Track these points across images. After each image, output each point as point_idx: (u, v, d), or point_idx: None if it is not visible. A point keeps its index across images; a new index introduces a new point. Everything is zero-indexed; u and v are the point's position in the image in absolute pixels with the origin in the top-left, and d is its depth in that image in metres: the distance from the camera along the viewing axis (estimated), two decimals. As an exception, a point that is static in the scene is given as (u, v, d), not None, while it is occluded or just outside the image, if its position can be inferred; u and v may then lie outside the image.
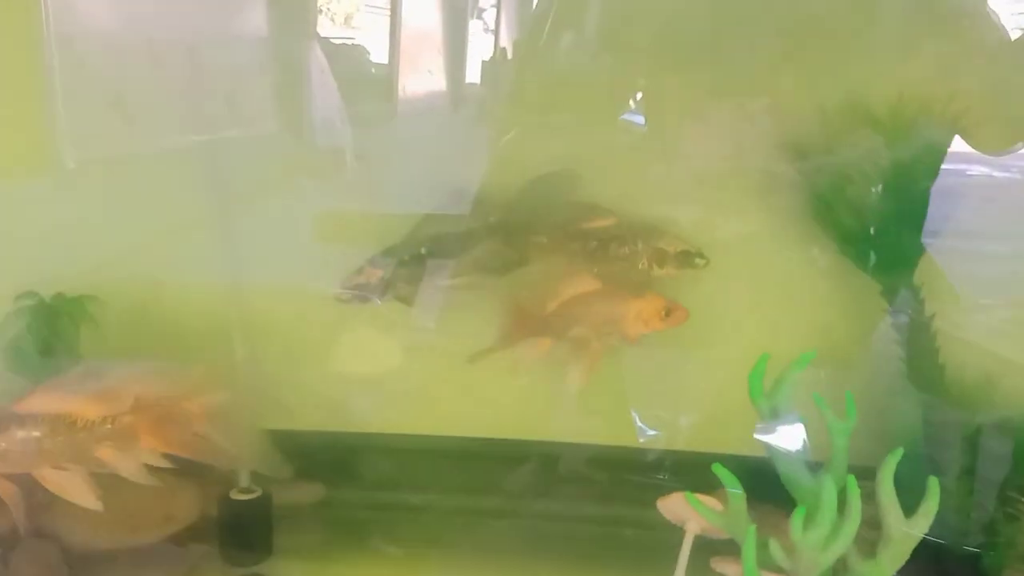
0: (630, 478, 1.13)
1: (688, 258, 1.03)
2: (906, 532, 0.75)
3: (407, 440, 1.17)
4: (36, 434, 0.88)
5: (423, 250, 1.04)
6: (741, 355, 0.99)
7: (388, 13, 1.19)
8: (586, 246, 1.03)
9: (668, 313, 0.99)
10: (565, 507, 1.13)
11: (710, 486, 0.80)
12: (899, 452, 0.75)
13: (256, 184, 1.15)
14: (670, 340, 1.07)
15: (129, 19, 1.12)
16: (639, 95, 1.13)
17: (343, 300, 1.02)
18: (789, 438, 0.80)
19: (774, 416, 0.78)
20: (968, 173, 1.08)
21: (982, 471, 1.02)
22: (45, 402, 0.88)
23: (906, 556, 0.76)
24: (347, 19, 1.19)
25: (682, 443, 1.11)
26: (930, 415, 1.02)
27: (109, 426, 0.91)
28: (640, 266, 1.03)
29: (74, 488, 0.91)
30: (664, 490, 0.85)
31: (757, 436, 0.78)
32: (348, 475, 1.17)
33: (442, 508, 1.15)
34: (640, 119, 1.13)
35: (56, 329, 1.03)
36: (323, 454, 1.15)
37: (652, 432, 1.13)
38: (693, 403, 1.12)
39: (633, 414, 1.14)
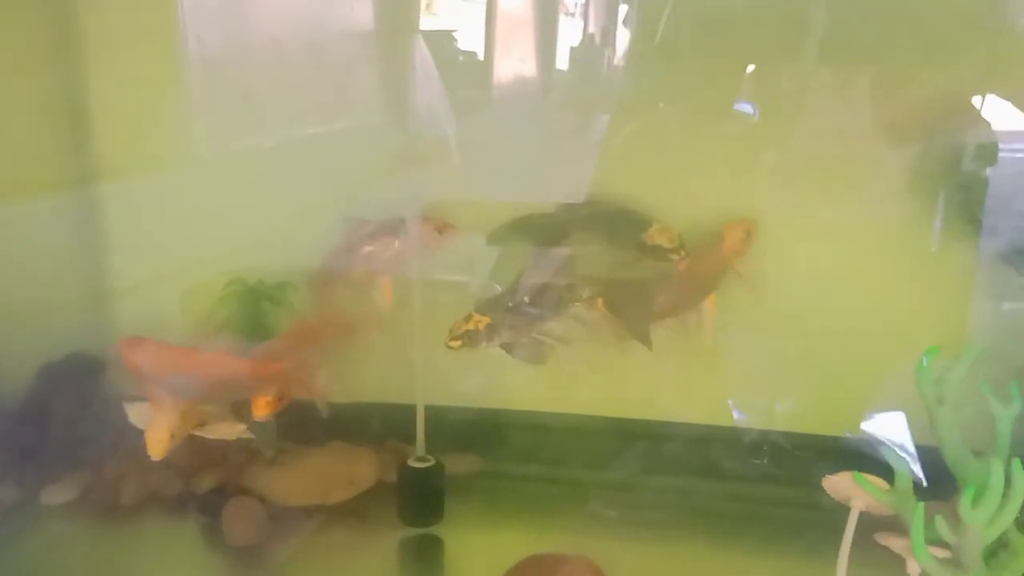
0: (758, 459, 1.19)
1: (660, 253, 1.10)
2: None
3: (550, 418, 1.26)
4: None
5: (526, 298, 1.11)
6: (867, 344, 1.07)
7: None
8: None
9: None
10: (714, 486, 1.20)
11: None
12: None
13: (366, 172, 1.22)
14: (794, 328, 1.15)
15: (255, 18, 1.20)
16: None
17: (452, 348, 1.07)
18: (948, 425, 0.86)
19: (940, 404, 0.84)
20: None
21: None
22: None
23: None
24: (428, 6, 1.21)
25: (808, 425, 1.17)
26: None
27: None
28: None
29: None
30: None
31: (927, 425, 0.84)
32: (501, 449, 1.26)
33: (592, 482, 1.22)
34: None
35: (260, 311, 1.15)
36: (476, 428, 1.25)
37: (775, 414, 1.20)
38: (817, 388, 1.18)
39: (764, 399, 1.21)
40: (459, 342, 1.07)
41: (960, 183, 1.07)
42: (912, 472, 0.83)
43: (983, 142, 1.05)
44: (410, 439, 1.15)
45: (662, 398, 1.25)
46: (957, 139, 1.06)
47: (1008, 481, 0.80)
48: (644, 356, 1.14)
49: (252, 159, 1.21)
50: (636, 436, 1.22)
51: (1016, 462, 0.80)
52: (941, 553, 0.82)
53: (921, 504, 0.82)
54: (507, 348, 1.12)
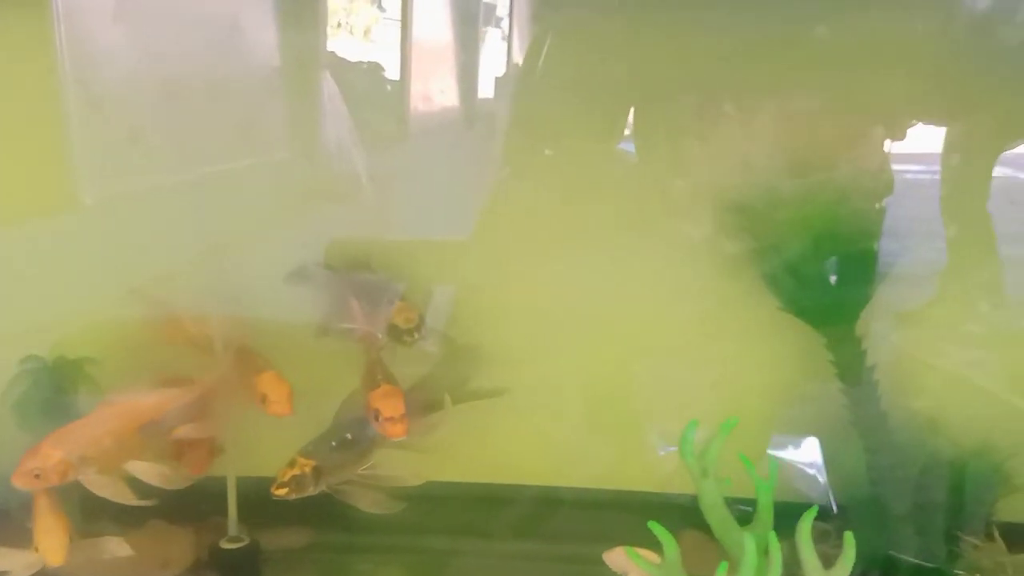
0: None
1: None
2: (826, 582, 0.81)
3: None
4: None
5: (348, 435, 1.06)
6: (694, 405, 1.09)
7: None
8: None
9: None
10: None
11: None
12: (814, 510, 0.81)
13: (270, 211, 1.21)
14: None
15: (144, 58, 1.17)
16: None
17: (279, 496, 1.01)
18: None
19: (704, 476, 0.85)
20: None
21: (926, 512, 1.08)
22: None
23: (826, 604, 0.82)
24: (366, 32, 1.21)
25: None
26: (873, 460, 1.08)
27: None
28: None
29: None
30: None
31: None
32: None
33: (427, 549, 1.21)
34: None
35: (59, 389, 1.11)
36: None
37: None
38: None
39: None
40: (285, 490, 1.01)
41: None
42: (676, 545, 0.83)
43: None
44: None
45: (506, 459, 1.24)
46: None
47: (765, 553, 0.80)
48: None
49: (138, 201, 1.19)
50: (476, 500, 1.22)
51: (772, 535, 0.81)
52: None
53: (683, 578, 0.82)
54: (342, 495, 1.07)
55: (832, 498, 1.15)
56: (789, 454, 1.18)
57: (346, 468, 1.07)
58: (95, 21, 1.19)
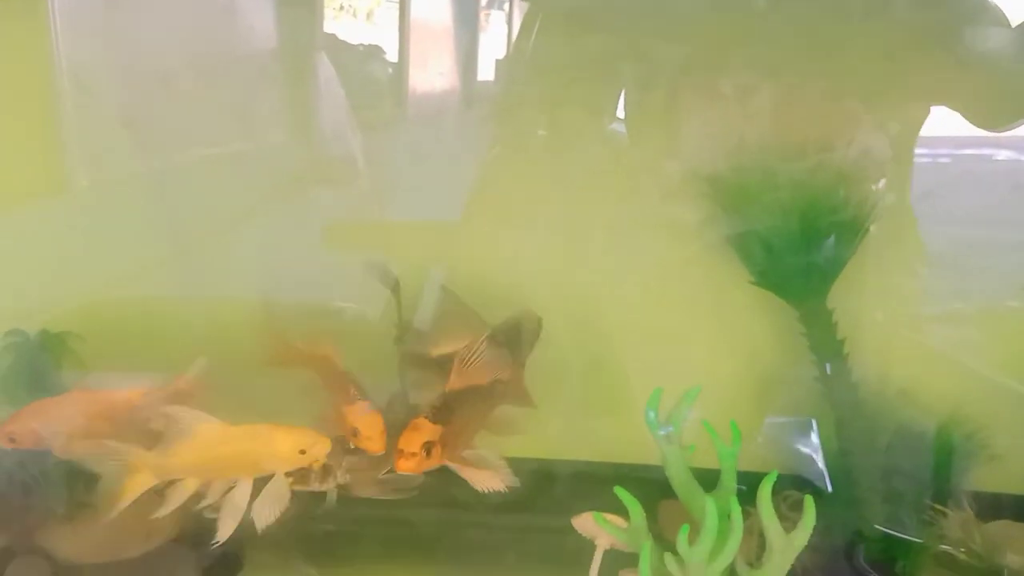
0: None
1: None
2: (786, 544, 0.83)
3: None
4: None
5: None
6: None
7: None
8: None
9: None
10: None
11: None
12: (774, 474, 0.83)
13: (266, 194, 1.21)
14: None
15: (138, 41, 1.19)
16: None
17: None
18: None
19: (669, 443, 0.86)
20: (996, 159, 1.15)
21: (896, 481, 1.10)
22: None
23: (788, 566, 0.84)
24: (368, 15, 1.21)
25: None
26: (845, 432, 1.10)
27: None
28: None
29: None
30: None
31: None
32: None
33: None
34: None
35: (42, 363, 1.13)
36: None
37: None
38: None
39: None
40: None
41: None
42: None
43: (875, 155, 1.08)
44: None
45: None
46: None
47: (727, 518, 0.82)
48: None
49: (134, 186, 1.21)
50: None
51: (734, 499, 0.82)
52: (674, 589, 0.84)
53: (648, 542, 0.83)
54: (346, 489, 1.06)
55: (826, 473, 1.16)
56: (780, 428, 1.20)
57: (361, 471, 1.06)
58: (88, 5, 1.21)
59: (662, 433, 0.86)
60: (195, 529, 1.13)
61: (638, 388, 1.23)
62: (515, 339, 1.07)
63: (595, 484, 1.17)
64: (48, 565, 1.11)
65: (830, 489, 1.14)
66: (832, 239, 1.07)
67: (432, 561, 1.15)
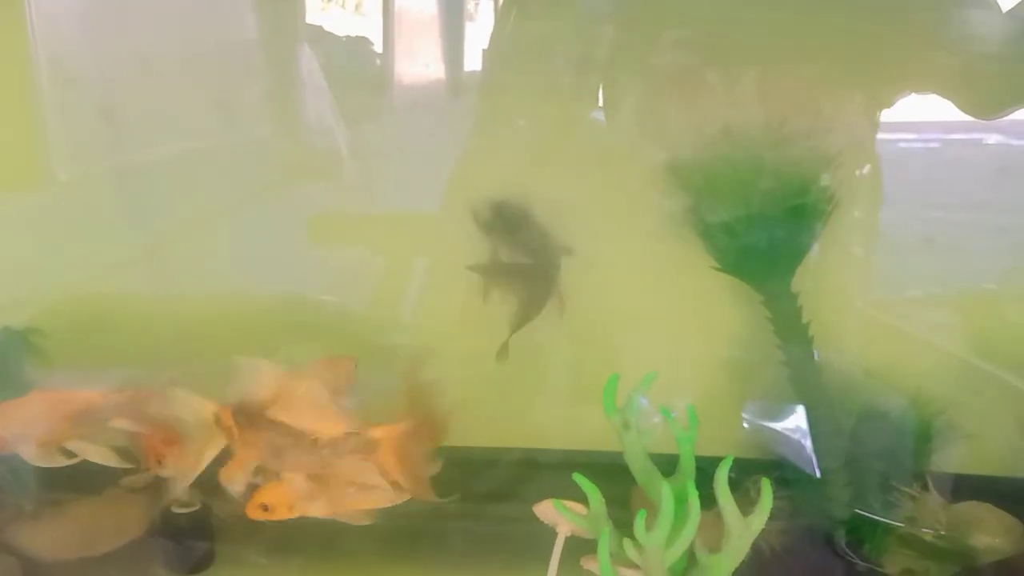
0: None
1: None
2: (744, 528, 0.83)
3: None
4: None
5: None
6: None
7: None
8: None
9: None
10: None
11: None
12: (730, 458, 0.83)
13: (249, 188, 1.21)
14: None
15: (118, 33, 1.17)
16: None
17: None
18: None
19: (626, 429, 0.86)
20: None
21: (863, 463, 1.10)
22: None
23: (745, 550, 0.84)
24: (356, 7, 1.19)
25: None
26: (809, 414, 1.10)
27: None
28: None
29: None
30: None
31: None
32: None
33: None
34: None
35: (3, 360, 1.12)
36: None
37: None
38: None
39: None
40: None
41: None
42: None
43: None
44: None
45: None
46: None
47: (684, 503, 0.82)
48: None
49: (113, 180, 1.19)
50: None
51: (690, 483, 0.83)
52: (633, 574, 0.85)
53: (607, 528, 0.83)
54: None
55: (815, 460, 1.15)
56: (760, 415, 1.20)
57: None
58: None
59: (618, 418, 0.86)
60: (164, 525, 1.15)
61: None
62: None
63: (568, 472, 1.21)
64: (16, 563, 1.10)
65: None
66: (795, 222, 1.06)
67: (412, 559, 1.16)
